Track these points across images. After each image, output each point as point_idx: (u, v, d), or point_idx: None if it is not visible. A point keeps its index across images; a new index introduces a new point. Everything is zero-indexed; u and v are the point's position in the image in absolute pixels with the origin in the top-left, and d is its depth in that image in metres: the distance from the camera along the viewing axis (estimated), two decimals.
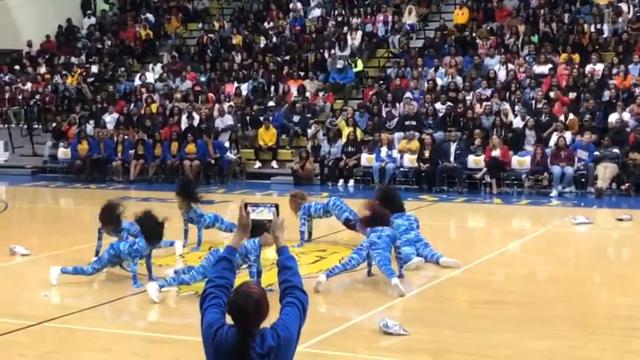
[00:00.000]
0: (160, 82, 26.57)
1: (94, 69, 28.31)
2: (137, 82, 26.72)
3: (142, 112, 24.78)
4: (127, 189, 21.71)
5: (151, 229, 10.68)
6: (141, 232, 10.87)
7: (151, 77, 26.88)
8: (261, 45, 27.40)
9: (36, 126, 26.83)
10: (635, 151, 19.20)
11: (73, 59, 29.06)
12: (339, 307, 9.96)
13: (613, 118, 20.21)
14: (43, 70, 28.77)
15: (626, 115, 20.29)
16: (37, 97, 27.19)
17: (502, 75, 23.09)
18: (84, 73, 27.94)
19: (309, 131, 22.84)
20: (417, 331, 8.72)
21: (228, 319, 4.06)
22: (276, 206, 4.30)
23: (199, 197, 13.30)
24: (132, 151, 23.14)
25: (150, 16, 30.56)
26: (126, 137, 23.51)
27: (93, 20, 31.47)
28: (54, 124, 25.73)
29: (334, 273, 10.56)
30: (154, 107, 24.89)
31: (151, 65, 27.74)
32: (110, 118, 24.87)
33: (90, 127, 24.65)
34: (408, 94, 22.98)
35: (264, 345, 3.88)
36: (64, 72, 28.19)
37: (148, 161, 22.84)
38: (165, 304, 10.08)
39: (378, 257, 10.48)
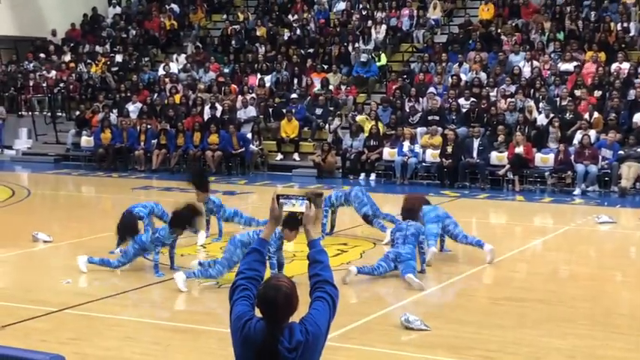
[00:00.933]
0: (184, 72, 26.61)
1: (119, 58, 28.42)
2: (161, 72, 26.78)
3: (166, 102, 24.83)
4: (149, 178, 21.78)
5: (180, 215, 10.72)
6: (170, 218, 10.93)
7: (174, 67, 26.93)
8: (285, 37, 27.38)
9: (59, 114, 26.97)
10: None
11: (98, 48, 29.18)
12: (359, 301, 9.93)
13: (638, 117, 20.03)
14: (67, 58, 28.90)
15: None
16: (61, 85, 27.33)
17: (527, 72, 22.95)
18: (108, 62, 28.05)
19: (331, 124, 22.81)
20: (438, 326, 8.69)
21: (258, 312, 4.04)
22: (309, 199, 4.26)
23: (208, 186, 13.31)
24: (154, 141, 23.20)
25: (174, 6, 30.62)
26: (149, 127, 23.57)
27: (118, 10, 31.58)
28: (77, 113, 25.84)
29: (364, 272, 10.55)
30: (177, 97, 24.94)
31: (174, 55, 27.78)
32: (133, 108, 24.94)
33: (113, 116, 24.73)
34: (431, 89, 22.89)
35: (293, 339, 3.85)
36: (88, 61, 28.31)
37: (170, 151, 22.91)
38: (187, 293, 10.10)
39: (404, 268, 10.45)
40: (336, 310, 4.10)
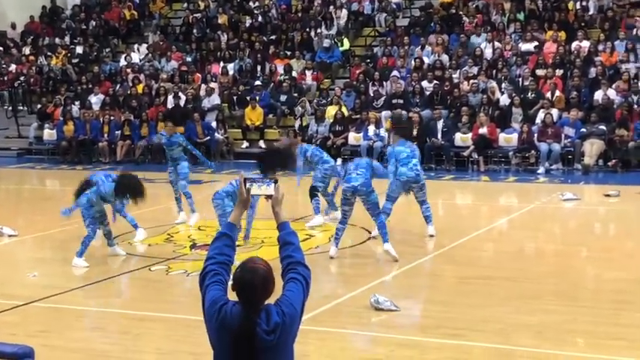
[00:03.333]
0: (146, 62, 26.42)
1: (79, 50, 28.13)
2: (122, 62, 26.58)
3: (128, 92, 24.65)
4: (114, 169, 21.54)
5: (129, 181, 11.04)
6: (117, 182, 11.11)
7: (136, 58, 26.74)
8: (247, 24, 27.26)
9: (21, 108, 26.66)
10: (622, 128, 19.26)
11: (58, 40, 28.86)
12: (329, 284, 9.97)
13: (599, 95, 20.24)
14: (27, 51, 28.56)
15: (612, 92, 20.32)
16: (22, 78, 27.01)
17: (488, 53, 23.07)
18: (68, 54, 27.76)
19: (296, 110, 22.80)
20: (407, 306, 8.76)
21: (231, 296, 4.01)
22: (276, 181, 4.25)
23: None
24: (118, 132, 23.03)
25: None
26: (112, 118, 23.40)
27: (77, 1, 31.23)
28: (39, 106, 25.57)
29: (339, 237, 10.80)
30: (139, 88, 24.77)
31: (136, 46, 27.57)
32: (96, 99, 24.73)
33: (75, 109, 24.51)
34: (394, 73, 22.94)
35: (270, 321, 3.83)
36: (48, 53, 28.00)
37: (134, 142, 22.76)
38: (154, 283, 10.06)
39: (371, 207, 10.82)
40: (309, 291, 4.10)
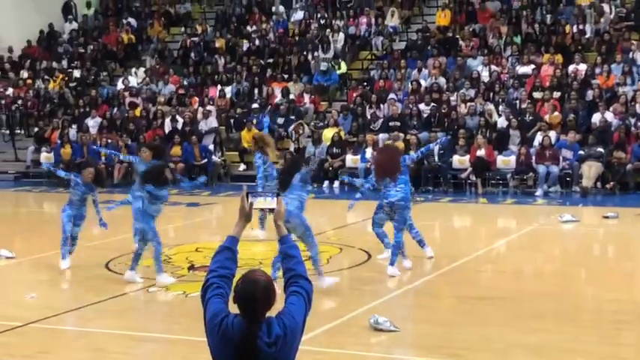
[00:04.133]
0: (144, 85, 26.46)
1: (77, 73, 28.17)
2: (120, 86, 26.61)
3: (126, 116, 24.67)
4: (111, 192, 21.54)
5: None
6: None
7: (133, 81, 26.79)
8: (244, 48, 27.35)
9: (18, 131, 26.64)
10: (620, 150, 19.28)
11: (55, 64, 28.91)
12: (328, 304, 9.91)
13: (597, 117, 20.29)
14: (25, 75, 28.59)
15: (609, 115, 20.37)
16: (19, 102, 27.01)
17: (485, 76, 23.16)
18: (66, 78, 27.80)
19: (290, 131, 22.82)
20: (407, 327, 8.72)
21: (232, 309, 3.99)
22: (278, 194, 4.24)
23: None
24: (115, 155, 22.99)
25: (132, 20, 30.45)
26: (109, 141, 23.39)
27: (75, 25, 31.32)
28: (36, 129, 25.57)
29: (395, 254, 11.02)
30: (137, 111, 24.80)
31: (133, 69, 27.63)
32: (93, 123, 24.73)
33: (73, 132, 24.51)
34: (391, 96, 23.00)
35: (272, 334, 3.81)
36: (46, 77, 28.04)
37: (132, 164, 22.71)
38: (153, 303, 10.01)
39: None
40: (311, 305, 4.08)
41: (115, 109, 25.25)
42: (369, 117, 22.61)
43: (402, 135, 21.17)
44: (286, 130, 23.13)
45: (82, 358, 7.96)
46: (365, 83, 24.39)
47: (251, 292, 3.85)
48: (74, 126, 24.87)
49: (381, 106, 22.91)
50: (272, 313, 3.92)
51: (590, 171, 19.13)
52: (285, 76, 25.39)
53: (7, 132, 26.38)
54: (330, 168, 21.24)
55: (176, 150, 22.28)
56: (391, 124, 21.82)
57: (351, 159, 21.22)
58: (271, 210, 4.22)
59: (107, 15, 31.52)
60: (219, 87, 25.33)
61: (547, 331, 8.52)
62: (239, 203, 4.21)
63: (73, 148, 23.50)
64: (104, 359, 7.97)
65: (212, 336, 3.91)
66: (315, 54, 25.69)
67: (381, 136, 21.65)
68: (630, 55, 22.45)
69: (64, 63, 28.97)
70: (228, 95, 25.01)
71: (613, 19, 24.10)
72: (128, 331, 8.97)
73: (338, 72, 25.14)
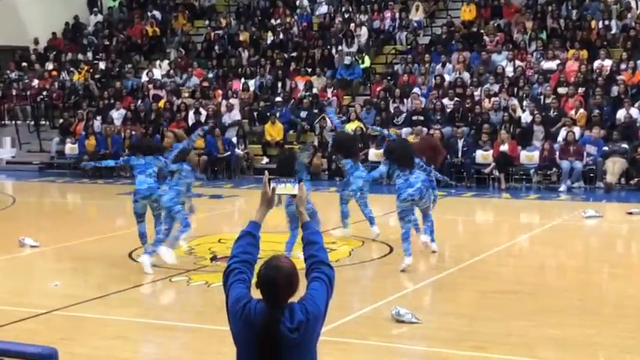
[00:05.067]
0: (167, 78, 26.56)
1: (101, 65, 28.32)
2: (144, 78, 26.72)
3: (150, 108, 24.77)
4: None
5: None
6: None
7: (158, 74, 26.88)
8: (268, 42, 27.38)
9: (43, 122, 26.82)
10: None
11: (80, 56, 29.08)
12: (350, 296, 9.92)
13: (621, 113, 20.15)
14: (50, 66, 28.78)
15: (634, 111, 20.22)
16: (44, 93, 27.19)
17: (510, 71, 23.05)
18: (91, 70, 27.96)
19: (315, 127, 22.83)
20: (429, 319, 8.70)
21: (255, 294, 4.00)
22: (300, 180, 4.25)
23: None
24: None
25: (156, 13, 30.55)
26: (133, 133, 23.50)
27: (100, 17, 31.49)
28: (61, 121, 25.74)
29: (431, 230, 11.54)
30: (161, 103, 24.90)
31: (157, 62, 27.73)
32: (117, 114, 24.86)
33: (97, 123, 24.65)
34: (415, 90, 22.94)
35: (294, 319, 3.82)
36: (71, 69, 28.21)
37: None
38: (176, 293, 10.06)
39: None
40: (333, 291, 4.08)
41: (139, 101, 25.36)
42: (392, 111, 22.56)
43: (425, 129, 21.08)
44: (310, 123, 23.14)
45: (104, 346, 8.01)
46: (389, 77, 24.33)
47: (274, 277, 3.86)
48: (99, 117, 25.00)
49: (405, 100, 22.87)
50: (294, 299, 3.93)
51: (614, 167, 18.99)
52: (309, 69, 25.38)
53: (32, 123, 26.56)
54: None
55: (199, 142, 22.31)
56: (414, 118, 21.75)
57: (373, 153, 21.18)
58: (293, 196, 4.24)
59: (132, 7, 31.64)
60: (242, 80, 25.37)
61: (570, 325, 8.49)
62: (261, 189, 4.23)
63: (97, 139, 23.63)
64: (126, 346, 8.02)
65: (235, 321, 3.92)
66: (339, 48, 25.66)
67: (405, 130, 21.60)
68: None
69: (89, 55, 29.13)
70: (252, 88, 25.05)
71: (639, 14, 23.89)
72: (150, 319, 9.03)
73: (361, 66, 25.10)
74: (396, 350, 7.94)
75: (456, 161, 20.22)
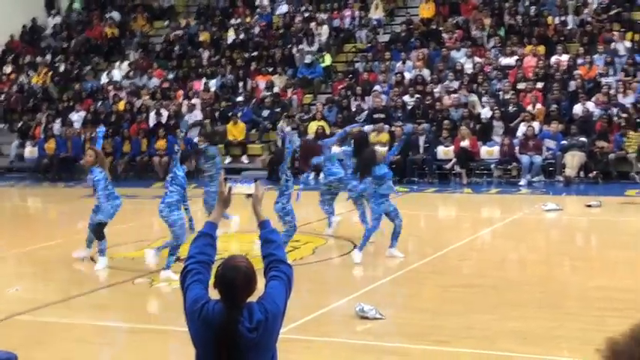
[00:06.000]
0: (127, 79, 26.39)
1: (60, 68, 28.06)
2: (104, 80, 26.53)
3: (110, 110, 24.59)
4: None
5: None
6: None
7: (117, 75, 26.70)
8: (229, 41, 27.31)
9: (1, 126, 26.54)
10: (602, 140, 19.40)
11: (39, 59, 28.79)
12: (314, 293, 9.94)
13: (579, 108, 20.39)
14: (8, 69, 28.46)
15: (591, 105, 20.47)
16: (3, 96, 26.90)
17: (469, 67, 23.21)
18: (50, 73, 27.69)
19: (278, 126, 22.82)
20: (393, 315, 8.75)
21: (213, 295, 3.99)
22: (256, 179, 4.27)
23: None
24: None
25: (115, 14, 30.34)
26: (93, 135, 23.30)
27: (58, 19, 31.19)
28: (20, 124, 25.47)
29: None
30: (121, 105, 24.73)
31: (117, 63, 27.54)
32: (77, 117, 24.66)
33: (57, 126, 24.43)
34: (376, 88, 23.02)
35: (253, 319, 3.80)
36: (29, 71, 27.92)
37: (116, 158, 22.70)
38: (138, 295, 10.01)
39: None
40: (292, 289, 4.08)
41: (99, 104, 25.17)
42: (353, 109, 22.62)
43: (386, 127, 21.20)
44: (271, 122, 23.13)
45: (66, 349, 7.95)
46: (350, 76, 24.40)
47: (232, 277, 3.84)
48: (58, 120, 24.79)
49: (366, 98, 22.94)
50: (253, 298, 3.92)
51: (573, 160, 19.22)
52: (270, 69, 25.36)
53: None
54: None
55: (161, 144, 22.23)
56: (376, 116, 21.84)
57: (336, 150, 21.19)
58: (249, 195, 4.25)
59: (90, 9, 31.39)
60: (203, 80, 25.29)
61: (531, 318, 8.57)
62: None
63: (57, 142, 23.43)
64: (89, 350, 7.96)
65: (193, 322, 3.90)
66: (300, 47, 25.68)
67: (366, 128, 21.65)
68: (612, 45, 22.55)
69: (48, 57, 28.86)
70: (213, 88, 24.98)
71: (596, 9, 24.19)
72: (112, 322, 8.98)
73: (322, 65, 25.12)
74: (361, 347, 7.96)
75: (417, 157, 20.33)
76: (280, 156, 11.54)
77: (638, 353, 2.01)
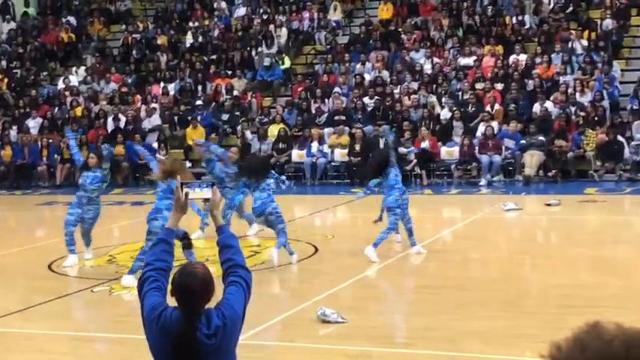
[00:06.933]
0: (84, 84, 26.11)
1: (16, 74, 27.67)
2: (61, 85, 26.22)
3: (67, 115, 24.31)
4: (54, 194, 21.27)
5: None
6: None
7: (74, 80, 26.41)
8: (187, 45, 27.15)
9: None
10: (560, 139, 19.57)
11: None
12: (275, 298, 9.90)
13: (537, 107, 20.55)
14: None
15: (550, 104, 20.65)
16: None
17: (428, 68, 23.30)
18: (5, 79, 27.30)
19: (238, 129, 22.73)
20: (354, 318, 8.70)
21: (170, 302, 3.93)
22: (213, 184, 4.20)
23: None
24: (57, 156, 22.70)
25: (71, 18, 30.00)
26: (50, 141, 23.05)
27: (13, 25, 30.76)
28: None
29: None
30: (78, 110, 24.45)
31: (74, 68, 27.24)
32: (34, 123, 24.34)
33: (13, 133, 24.09)
34: (336, 90, 23.02)
35: (211, 325, 3.76)
36: None
37: (74, 165, 22.42)
38: (98, 303, 9.87)
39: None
40: (251, 294, 4.04)
41: (56, 109, 24.87)
42: (314, 111, 22.61)
43: (347, 129, 21.22)
44: (231, 126, 23.02)
45: (26, 359, 7.82)
46: (309, 78, 24.38)
47: (189, 284, 3.80)
48: (14, 127, 24.44)
49: (326, 100, 22.94)
50: (211, 304, 3.87)
51: (532, 160, 19.37)
52: (229, 72, 25.25)
53: None
54: (277, 163, 21.17)
55: (119, 149, 22.00)
56: (336, 118, 21.85)
57: (297, 154, 21.19)
58: (206, 200, 4.20)
59: (46, 14, 31.01)
60: (162, 84, 25.10)
61: (493, 318, 8.59)
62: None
63: (13, 149, 23.11)
64: None
65: (150, 330, 3.85)
66: (259, 49, 25.60)
67: (327, 130, 21.67)
68: (569, 44, 22.77)
69: (3, 63, 28.43)
70: (172, 92, 24.81)
71: (553, 9, 24.41)
72: (73, 331, 8.85)
73: (282, 67, 25.07)
74: (323, 351, 7.93)
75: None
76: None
77: None
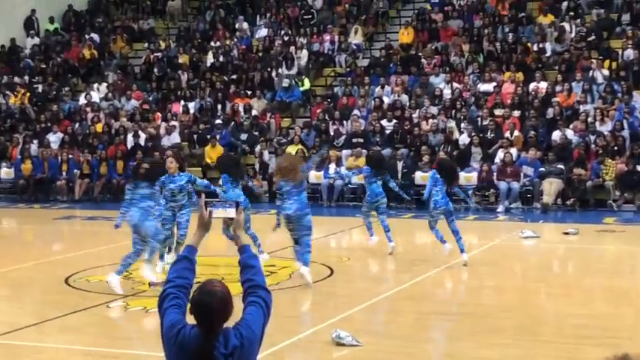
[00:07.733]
0: (106, 101, 26.30)
1: (38, 89, 27.91)
2: (82, 101, 26.41)
3: (87, 131, 24.47)
4: (72, 208, 21.39)
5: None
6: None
7: (96, 97, 26.60)
8: (208, 64, 27.31)
9: None
10: (580, 167, 19.50)
11: (17, 79, 28.61)
12: (291, 319, 9.87)
13: (557, 135, 20.51)
14: None
15: (569, 132, 20.61)
16: None
17: (447, 93, 23.32)
18: (27, 93, 27.52)
19: (257, 149, 22.80)
20: (369, 342, 8.69)
21: (189, 320, 3.95)
22: (238, 204, 4.22)
23: None
24: (77, 171, 22.85)
25: (94, 35, 30.26)
26: (70, 157, 23.20)
27: (37, 40, 31.05)
28: None
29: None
30: (99, 127, 24.62)
31: (96, 85, 27.44)
32: (54, 138, 24.53)
33: (34, 147, 24.27)
34: (355, 112, 23.07)
35: (229, 344, 3.78)
36: (7, 92, 27.74)
37: (93, 180, 22.57)
38: (113, 319, 9.90)
39: None
40: (270, 315, 4.05)
41: (77, 125, 25.05)
42: (332, 133, 22.66)
43: (364, 151, 21.21)
44: (250, 145, 23.10)
45: None
46: (328, 100, 24.45)
47: (208, 303, 3.82)
48: (35, 141, 24.63)
49: (344, 122, 22.99)
50: (229, 323, 3.89)
51: (550, 188, 19.31)
52: (249, 92, 25.36)
53: None
54: None
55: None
56: (354, 140, 21.87)
57: (314, 175, 21.21)
58: (230, 219, 4.21)
59: (69, 30, 31.29)
60: (182, 102, 25.24)
61: (507, 346, 8.55)
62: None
63: (33, 163, 23.28)
64: None
65: (169, 347, 3.87)
66: (279, 70, 25.71)
67: (345, 152, 21.70)
68: (590, 73, 22.73)
69: (26, 78, 28.68)
70: (192, 111, 24.94)
71: (574, 37, 24.40)
72: (86, 346, 8.87)
73: (301, 88, 25.16)
74: None
75: (395, 183, 20.31)
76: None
77: None
